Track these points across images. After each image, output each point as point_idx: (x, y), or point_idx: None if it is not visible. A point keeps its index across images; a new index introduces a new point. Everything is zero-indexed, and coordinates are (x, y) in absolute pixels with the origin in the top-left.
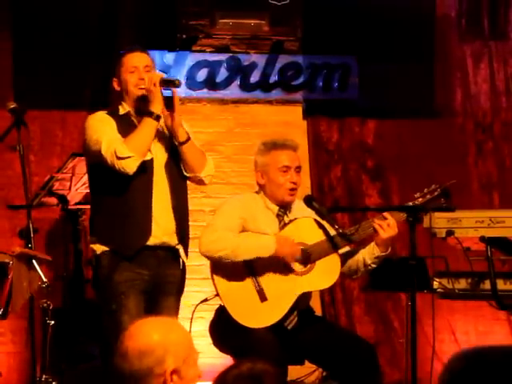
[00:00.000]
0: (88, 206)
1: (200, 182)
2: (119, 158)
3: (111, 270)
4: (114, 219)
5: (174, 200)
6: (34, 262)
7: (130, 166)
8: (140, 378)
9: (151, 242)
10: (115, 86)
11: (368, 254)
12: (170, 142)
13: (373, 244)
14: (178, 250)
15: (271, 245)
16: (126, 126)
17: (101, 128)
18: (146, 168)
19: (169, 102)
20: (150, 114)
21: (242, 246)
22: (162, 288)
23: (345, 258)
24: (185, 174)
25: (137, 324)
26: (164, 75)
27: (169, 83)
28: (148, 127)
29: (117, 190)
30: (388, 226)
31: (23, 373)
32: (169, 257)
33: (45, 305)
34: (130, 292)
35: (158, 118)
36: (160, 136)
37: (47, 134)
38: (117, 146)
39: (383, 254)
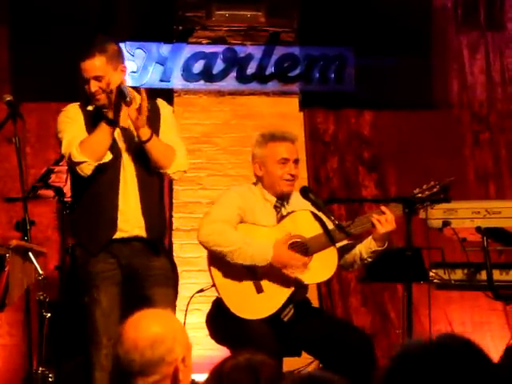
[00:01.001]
0: None
1: (169, 177)
2: (73, 163)
3: (84, 261)
4: (81, 214)
5: (141, 194)
6: (30, 254)
7: (85, 171)
8: (151, 367)
9: (119, 235)
10: None
11: (365, 248)
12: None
13: (370, 238)
14: (155, 243)
15: (268, 256)
16: (96, 119)
17: (65, 126)
18: (114, 163)
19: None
20: (105, 119)
21: (238, 251)
22: (148, 282)
23: (342, 252)
24: (152, 169)
25: (136, 316)
26: (123, 84)
27: (121, 96)
28: (102, 132)
29: (86, 185)
30: (386, 220)
31: (20, 365)
32: (147, 249)
33: (41, 297)
34: (103, 285)
35: (111, 123)
36: (129, 131)
37: (44, 126)
38: (72, 150)
39: (380, 248)
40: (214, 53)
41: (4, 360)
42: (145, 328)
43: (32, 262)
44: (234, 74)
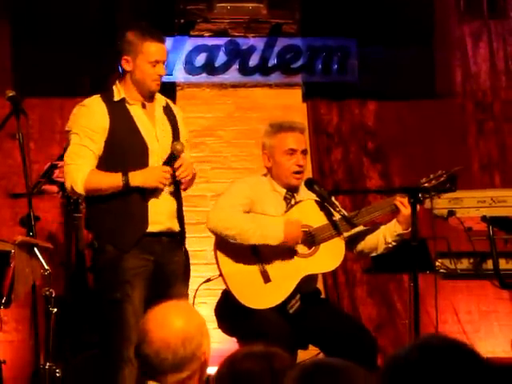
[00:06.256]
0: None
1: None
2: (72, 192)
3: (117, 256)
4: (107, 212)
5: (172, 187)
6: (35, 249)
7: (73, 196)
8: (184, 364)
9: (156, 228)
10: (124, 64)
11: (389, 232)
12: (169, 133)
13: (394, 222)
14: (181, 236)
15: (280, 233)
16: (119, 113)
17: (76, 137)
18: (141, 156)
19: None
20: (124, 177)
21: (250, 231)
22: (169, 277)
23: (360, 237)
24: None
25: (160, 313)
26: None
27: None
28: (112, 184)
29: None
30: (409, 202)
31: (27, 361)
32: (173, 243)
33: (47, 293)
34: (136, 280)
35: (127, 185)
36: (159, 126)
37: (46, 121)
38: (77, 181)
39: (405, 231)
40: (216, 45)
41: (11, 356)
42: (173, 325)
43: (38, 258)
44: (236, 66)
